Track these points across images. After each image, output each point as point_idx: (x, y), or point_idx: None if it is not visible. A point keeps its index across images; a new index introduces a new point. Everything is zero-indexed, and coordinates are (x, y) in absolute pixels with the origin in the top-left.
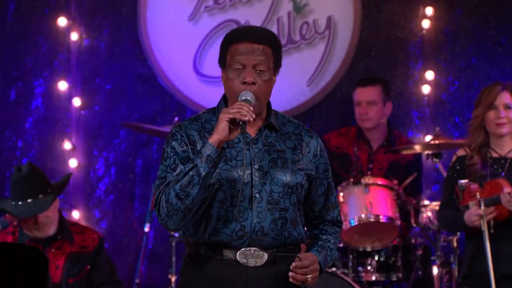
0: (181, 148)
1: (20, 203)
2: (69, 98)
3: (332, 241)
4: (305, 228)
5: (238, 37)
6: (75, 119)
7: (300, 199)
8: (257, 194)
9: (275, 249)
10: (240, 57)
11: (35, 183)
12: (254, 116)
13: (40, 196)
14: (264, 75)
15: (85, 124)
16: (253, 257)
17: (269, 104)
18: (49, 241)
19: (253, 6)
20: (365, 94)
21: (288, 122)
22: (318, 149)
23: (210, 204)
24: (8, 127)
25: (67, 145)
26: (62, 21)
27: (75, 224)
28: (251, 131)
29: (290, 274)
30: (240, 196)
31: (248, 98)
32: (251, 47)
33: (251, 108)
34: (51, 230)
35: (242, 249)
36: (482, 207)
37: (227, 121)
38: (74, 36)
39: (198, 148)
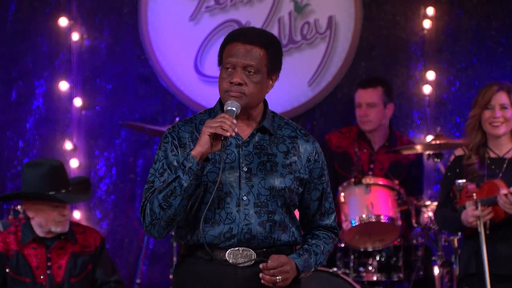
0: (171, 152)
1: (52, 193)
2: (70, 98)
3: (322, 246)
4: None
5: (232, 37)
6: (76, 119)
7: (290, 203)
8: (244, 197)
9: (264, 249)
10: (230, 58)
11: (66, 176)
12: (236, 131)
13: (70, 188)
14: (253, 77)
15: (86, 124)
16: (242, 256)
17: (266, 106)
18: (52, 241)
19: (254, 6)
20: (365, 96)
21: (285, 125)
22: (314, 153)
23: (198, 207)
24: (9, 127)
25: (68, 145)
26: (63, 21)
27: (77, 224)
28: (244, 133)
29: (260, 275)
30: (226, 198)
31: (233, 108)
32: (243, 47)
33: (234, 121)
34: (68, 226)
35: (231, 249)
36: (479, 208)
37: (208, 135)
38: (75, 36)
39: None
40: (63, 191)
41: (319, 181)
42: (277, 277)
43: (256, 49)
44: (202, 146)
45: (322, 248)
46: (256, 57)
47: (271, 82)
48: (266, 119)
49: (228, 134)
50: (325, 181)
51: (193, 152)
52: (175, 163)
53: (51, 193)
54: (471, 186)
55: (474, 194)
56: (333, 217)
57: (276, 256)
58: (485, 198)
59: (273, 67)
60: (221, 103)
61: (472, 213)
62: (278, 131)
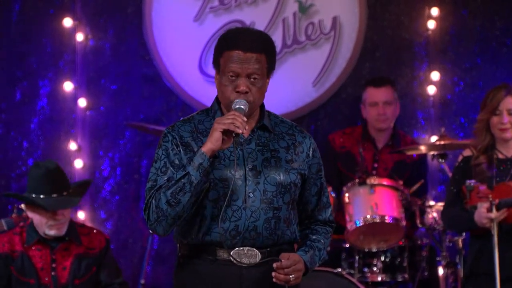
0: (172, 151)
1: (42, 196)
2: (75, 98)
3: (322, 241)
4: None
5: (232, 44)
6: (80, 119)
7: (294, 198)
8: (250, 194)
9: (268, 248)
10: (233, 66)
11: (62, 180)
12: (247, 128)
13: (64, 193)
14: (257, 83)
15: (91, 125)
16: (246, 256)
17: (262, 105)
18: (57, 242)
19: (258, 6)
20: (380, 95)
21: (281, 123)
22: (311, 149)
23: (203, 204)
24: (13, 128)
25: (72, 146)
26: (67, 22)
27: (82, 225)
28: (245, 132)
29: (273, 274)
30: (233, 195)
31: (242, 106)
32: (245, 56)
33: (245, 119)
34: (65, 229)
35: (236, 248)
36: (494, 211)
37: (221, 131)
38: (79, 37)
39: (192, 150)
40: (54, 195)
41: (317, 176)
42: (291, 276)
43: (258, 55)
44: (213, 143)
45: (323, 243)
46: (259, 63)
47: (268, 81)
48: (265, 118)
49: (240, 131)
50: (323, 176)
51: (203, 149)
52: (177, 162)
53: (42, 196)
54: (483, 187)
55: (490, 196)
56: (329, 211)
57: (287, 255)
58: (509, 198)
59: (271, 67)
60: (218, 104)
61: (487, 215)
62: (275, 128)
